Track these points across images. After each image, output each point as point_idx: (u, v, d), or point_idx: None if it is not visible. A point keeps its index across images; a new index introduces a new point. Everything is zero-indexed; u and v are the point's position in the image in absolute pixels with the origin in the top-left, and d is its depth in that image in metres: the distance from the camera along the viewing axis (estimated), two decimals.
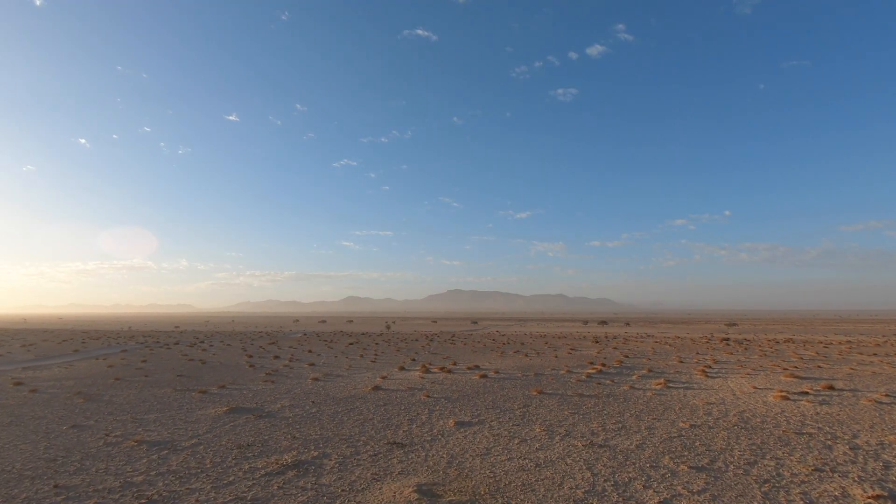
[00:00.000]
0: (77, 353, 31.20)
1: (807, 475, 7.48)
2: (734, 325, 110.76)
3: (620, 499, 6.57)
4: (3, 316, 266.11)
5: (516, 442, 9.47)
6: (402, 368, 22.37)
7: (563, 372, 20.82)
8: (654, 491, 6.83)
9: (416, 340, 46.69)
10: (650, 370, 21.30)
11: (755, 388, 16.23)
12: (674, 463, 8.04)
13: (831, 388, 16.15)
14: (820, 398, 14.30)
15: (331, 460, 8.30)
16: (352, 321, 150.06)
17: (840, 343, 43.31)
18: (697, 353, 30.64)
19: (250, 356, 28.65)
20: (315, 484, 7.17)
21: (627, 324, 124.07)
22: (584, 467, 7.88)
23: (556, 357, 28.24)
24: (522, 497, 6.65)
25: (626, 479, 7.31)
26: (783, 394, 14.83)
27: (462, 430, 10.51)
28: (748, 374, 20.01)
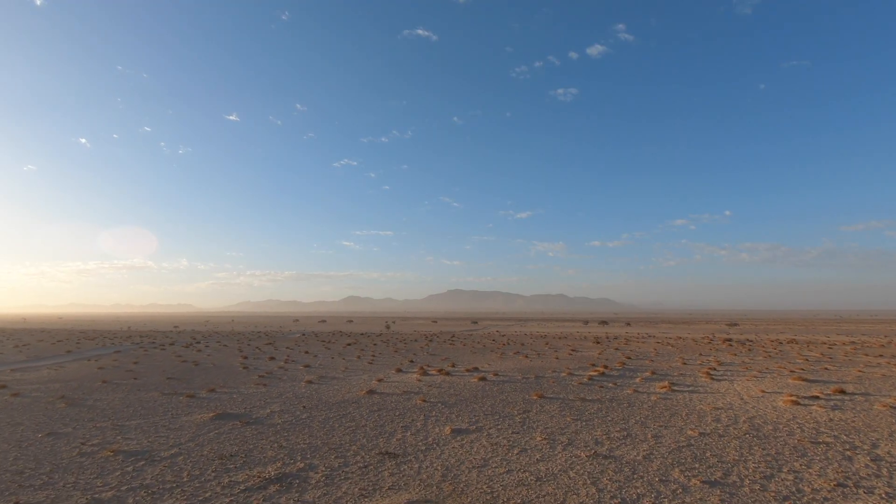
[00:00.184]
0: (70, 354, 30.66)
1: (829, 491, 6.93)
2: (735, 325, 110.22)
3: None
4: (2, 316, 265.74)
5: (516, 452, 8.92)
6: (399, 370, 21.83)
7: (564, 374, 20.27)
8: None
9: (416, 341, 46.14)
10: (654, 372, 20.75)
11: (763, 391, 15.68)
12: (685, 477, 7.49)
13: (842, 391, 15.60)
14: (832, 403, 13.75)
15: (317, 473, 7.75)
16: (352, 321, 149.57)
17: (844, 344, 42.75)
18: (701, 355, 30.09)
19: (245, 357, 28.12)
20: (297, 501, 6.63)
21: (628, 324, 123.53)
22: (589, 482, 7.33)
23: (557, 358, 27.69)
24: None
25: (635, 496, 6.76)
26: (793, 398, 14.28)
27: (458, 438, 9.97)
28: (754, 376, 19.46)
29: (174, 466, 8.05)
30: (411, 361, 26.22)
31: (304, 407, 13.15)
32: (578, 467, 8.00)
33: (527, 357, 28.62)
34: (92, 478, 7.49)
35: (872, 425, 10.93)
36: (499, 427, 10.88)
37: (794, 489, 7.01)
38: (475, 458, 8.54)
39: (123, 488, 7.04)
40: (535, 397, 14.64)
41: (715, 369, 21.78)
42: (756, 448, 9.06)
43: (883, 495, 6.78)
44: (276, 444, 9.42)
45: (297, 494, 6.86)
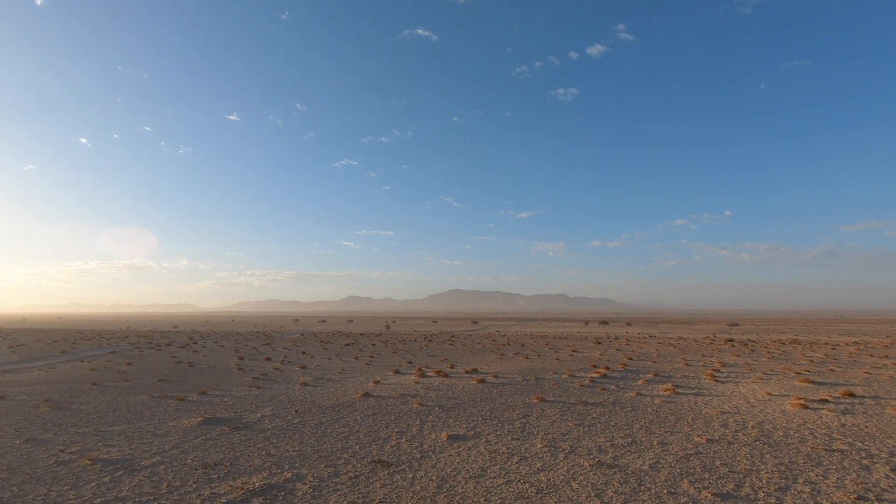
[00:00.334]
0: (64, 355, 30.24)
1: None
2: (736, 325, 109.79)
3: None
4: (2, 315, 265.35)
5: (515, 460, 8.48)
6: (396, 372, 21.39)
7: (565, 376, 19.83)
8: None
9: (415, 341, 45.71)
10: (656, 374, 20.31)
11: (769, 394, 15.24)
12: (695, 489, 7.05)
13: (851, 394, 15.15)
14: (841, 406, 13.31)
15: (304, 484, 7.32)
16: (352, 321, 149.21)
17: (847, 344, 42.30)
18: (703, 355, 29.65)
19: (241, 358, 27.69)
20: None
21: (629, 324, 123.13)
22: (593, 494, 6.89)
23: (558, 360, 27.25)
24: None
25: None
26: (801, 401, 13.84)
27: (455, 444, 9.53)
28: (760, 378, 19.02)
29: (154, 476, 7.61)
30: (410, 363, 25.79)
31: (296, 411, 12.72)
32: (581, 478, 7.56)
33: (527, 358, 28.18)
34: (65, 489, 7.06)
35: (887, 431, 10.48)
36: (498, 433, 10.45)
37: (811, 503, 6.57)
38: (472, 468, 8.10)
39: (97, 501, 6.60)
40: (535, 401, 14.20)
41: (719, 371, 21.34)
42: (768, 456, 8.61)
43: None
44: (263, 452, 8.98)
45: None
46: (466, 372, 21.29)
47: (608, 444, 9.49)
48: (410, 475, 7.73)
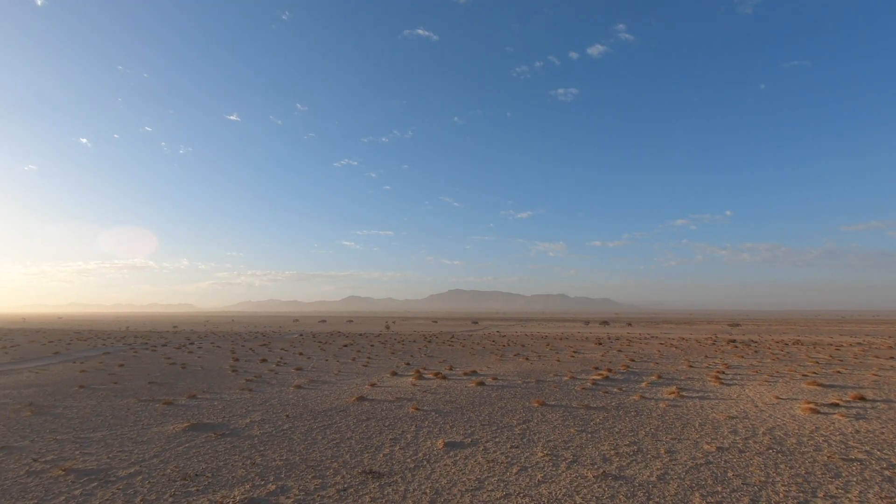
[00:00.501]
0: (57, 356, 29.77)
1: None
2: (737, 325, 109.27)
3: None
4: (3, 315, 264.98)
5: (514, 471, 7.99)
6: (394, 374, 20.91)
7: (566, 378, 19.34)
8: None
9: (414, 342, 45.23)
10: (660, 376, 19.82)
11: (777, 398, 14.75)
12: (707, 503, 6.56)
13: (862, 398, 14.66)
14: (853, 411, 12.82)
15: (289, 498, 6.83)
16: (352, 321, 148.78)
17: (851, 345, 41.79)
18: (706, 357, 29.15)
19: (236, 359, 27.20)
20: None
21: (629, 324, 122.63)
22: None
23: (559, 361, 26.75)
24: None
25: None
26: (811, 405, 13.35)
27: (452, 453, 9.04)
28: (766, 380, 18.52)
29: (129, 489, 7.13)
30: (408, 364, 25.30)
31: (287, 416, 12.23)
32: (585, 491, 7.07)
33: (527, 359, 27.69)
34: (32, 503, 6.58)
35: None
36: (496, 440, 9.96)
37: None
38: (469, 479, 7.61)
39: None
40: (535, 404, 13.71)
41: (723, 373, 20.85)
42: (783, 466, 8.12)
43: None
44: (248, 461, 8.49)
45: None
46: (465, 374, 20.81)
47: (613, 452, 9.00)
48: (403, 487, 7.24)
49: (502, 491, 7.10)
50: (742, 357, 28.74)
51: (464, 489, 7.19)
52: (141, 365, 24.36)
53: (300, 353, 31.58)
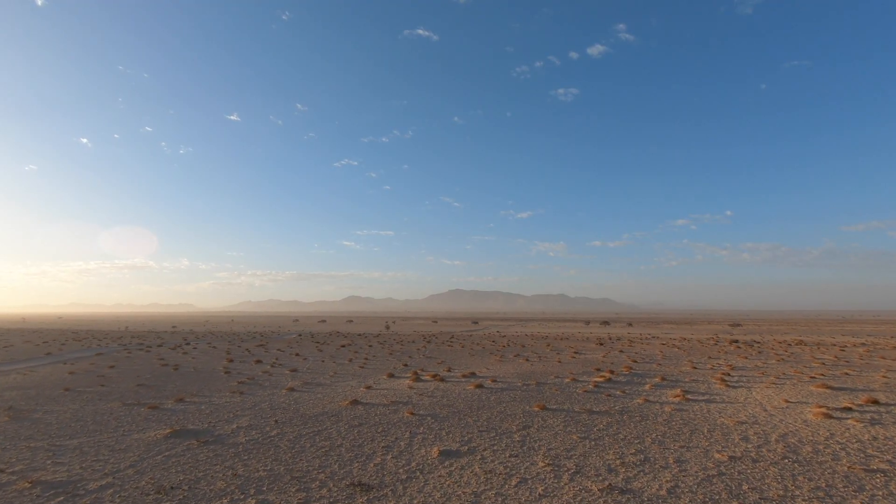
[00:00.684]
0: (48, 357, 29.24)
1: None
2: (738, 325, 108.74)
3: None
4: (3, 315, 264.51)
5: (514, 483, 7.46)
6: (390, 376, 20.38)
7: (567, 380, 18.80)
8: None
9: (413, 342, 44.70)
10: (663, 378, 19.29)
11: (787, 401, 14.21)
12: None
13: (875, 402, 14.12)
14: (867, 416, 12.28)
15: None
16: (352, 321, 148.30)
17: (855, 346, 41.25)
18: (710, 358, 28.61)
19: (231, 360, 26.67)
20: None
21: (630, 324, 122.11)
22: None
23: (560, 362, 26.21)
24: None
25: None
26: (823, 409, 12.81)
27: (447, 462, 8.50)
28: (773, 383, 17.99)
29: None
30: (405, 365, 24.77)
31: (276, 421, 11.69)
32: None
33: (527, 360, 27.15)
34: None
35: None
36: (494, 448, 9.41)
37: None
38: (465, 492, 7.08)
39: None
40: (536, 409, 13.17)
41: (729, 375, 20.30)
42: (801, 478, 7.58)
43: None
44: (230, 472, 7.96)
45: None
46: (464, 376, 20.27)
47: (618, 462, 8.46)
48: (393, 502, 6.71)
49: None
50: (746, 358, 28.20)
51: (459, 503, 6.66)
52: (132, 366, 23.83)
53: (296, 354, 31.05)
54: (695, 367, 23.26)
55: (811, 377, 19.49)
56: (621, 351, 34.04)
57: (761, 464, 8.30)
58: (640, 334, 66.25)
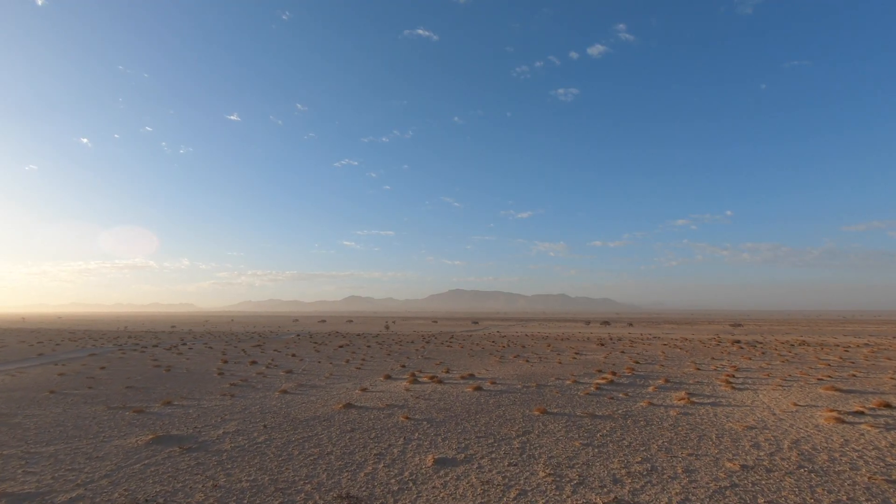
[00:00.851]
0: (40, 357, 28.75)
1: None
2: (739, 325, 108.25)
3: None
4: (3, 315, 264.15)
5: (513, 495, 6.97)
6: (388, 377, 19.89)
7: (568, 382, 18.31)
8: None
9: (412, 342, 44.20)
10: (667, 380, 18.80)
11: (796, 405, 13.71)
12: None
13: (887, 405, 13.61)
14: (881, 420, 11.79)
15: None
16: (352, 321, 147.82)
17: (858, 346, 40.74)
18: (712, 358, 28.11)
19: (225, 361, 26.18)
20: None
21: (630, 324, 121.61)
22: None
23: (561, 363, 25.71)
24: None
25: None
26: (834, 414, 12.33)
27: (442, 472, 8.01)
28: (779, 385, 17.49)
29: None
30: (403, 366, 24.28)
31: (264, 426, 11.20)
32: None
33: (528, 361, 26.65)
34: None
35: None
36: (492, 455, 8.92)
37: None
38: None
39: None
40: (536, 412, 12.68)
41: (733, 376, 19.81)
42: (819, 490, 7.09)
43: None
44: (210, 483, 7.47)
45: None
46: (462, 377, 19.78)
47: (623, 471, 7.97)
48: None
49: None
50: (749, 359, 27.70)
51: None
52: (124, 367, 23.35)
53: (293, 355, 30.55)
54: (698, 369, 22.77)
55: (818, 379, 19.00)
56: (623, 352, 33.54)
57: (776, 474, 7.81)
58: (641, 334, 65.74)
